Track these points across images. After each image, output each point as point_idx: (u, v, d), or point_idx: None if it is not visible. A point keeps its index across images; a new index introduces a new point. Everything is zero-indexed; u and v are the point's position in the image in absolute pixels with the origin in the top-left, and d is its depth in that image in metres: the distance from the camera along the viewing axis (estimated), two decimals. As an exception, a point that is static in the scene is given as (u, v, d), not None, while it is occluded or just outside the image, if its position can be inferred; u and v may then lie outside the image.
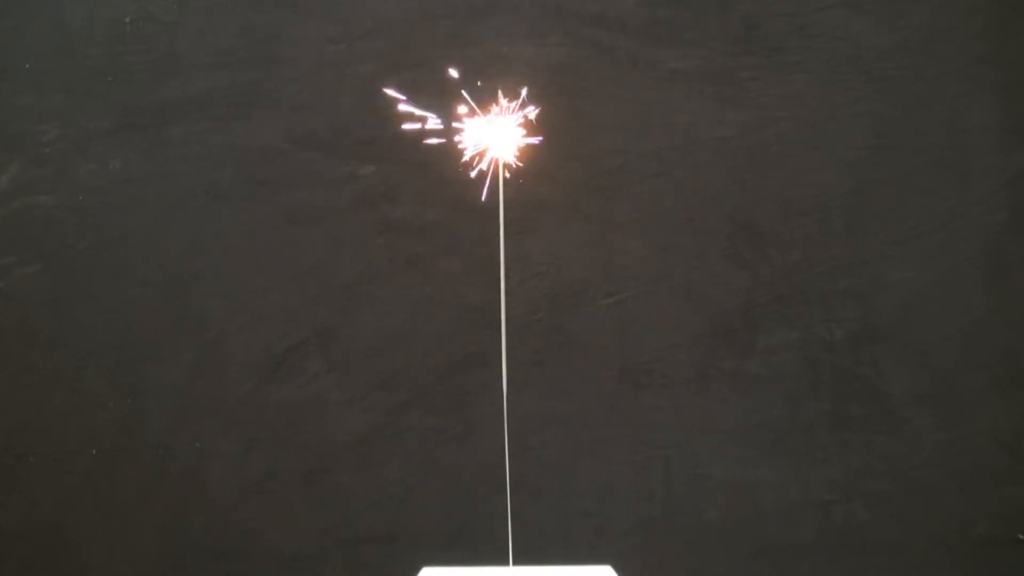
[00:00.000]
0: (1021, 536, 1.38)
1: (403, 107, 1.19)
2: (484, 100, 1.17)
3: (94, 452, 1.44)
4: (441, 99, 1.42)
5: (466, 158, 1.17)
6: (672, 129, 1.43)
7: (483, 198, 1.16)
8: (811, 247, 1.41)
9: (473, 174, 1.17)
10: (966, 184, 1.41)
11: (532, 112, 1.16)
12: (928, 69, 1.41)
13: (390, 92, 1.17)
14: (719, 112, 1.42)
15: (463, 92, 1.17)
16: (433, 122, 1.18)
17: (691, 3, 1.43)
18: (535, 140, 1.18)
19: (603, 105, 1.43)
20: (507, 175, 1.17)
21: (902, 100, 1.41)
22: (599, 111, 1.43)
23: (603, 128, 1.43)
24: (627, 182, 1.43)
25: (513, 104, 1.16)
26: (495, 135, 1.17)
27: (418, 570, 1.17)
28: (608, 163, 1.43)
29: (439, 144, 1.19)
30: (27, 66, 1.47)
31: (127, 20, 1.47)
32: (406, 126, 1.19)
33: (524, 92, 1.16)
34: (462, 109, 1.17)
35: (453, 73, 1.20)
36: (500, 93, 1.17)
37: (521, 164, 1.17)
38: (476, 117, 1.17)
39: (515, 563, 1.19)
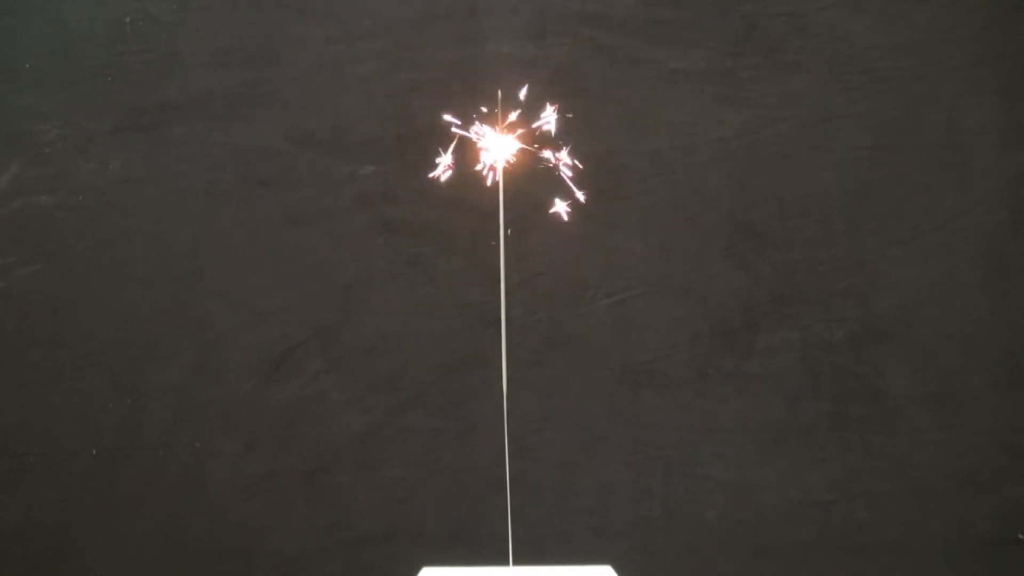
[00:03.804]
0: (1021, 536, 1.38)
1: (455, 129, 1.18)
2: (485, 102, 1.17)
3: (94, 452, 1.44)
4: (442, 100, 1.42)
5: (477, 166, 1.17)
6: (672, 129, 1.43)
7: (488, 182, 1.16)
8: (811, 247, 1.41)
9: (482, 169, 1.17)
10: (966, 184, 1.41)
11: (550, 119, 1.16)
12: (928, 69, 1.41)
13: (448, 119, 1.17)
14: (719, 112, 1.42)
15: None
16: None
17: (691, 3, 1.43)
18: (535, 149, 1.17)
19: (603, 105, 1.43)
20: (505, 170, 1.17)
21: (902, 100, 1.41)
22: (599, 111, 1.43)
23: (603, 128, 1.43)
24: (627, 182, 1.43)
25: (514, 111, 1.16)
26: (495, 139, 1.17)
27: (418, 570, 1.17)
28: (608, 163, 1.43)
29: (441, 144, 1.19)
30: (27, 66, 1.47)
31: (127, 20, 1.47)
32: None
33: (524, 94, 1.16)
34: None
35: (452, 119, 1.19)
36: (500, 96, 1.17)
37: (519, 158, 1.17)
38: (478, 121, 1.17)
39: (515, 563, 1.19)
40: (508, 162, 1.17)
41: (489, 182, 1.18)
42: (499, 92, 1.19)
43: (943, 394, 1.39)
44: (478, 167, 1.17)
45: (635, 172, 1.43)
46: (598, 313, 1.42)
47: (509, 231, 1.18)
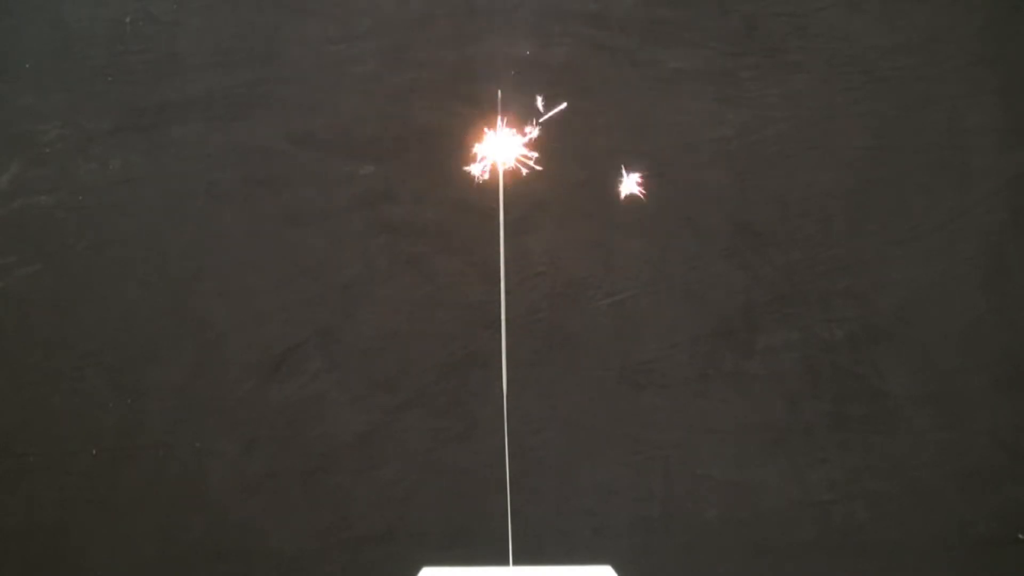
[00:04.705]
0: (1021, 536, 1.38)
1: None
2: (485, 103, 1.17)
3: (94, 452, 1.44)
4: (441, 100, 1.42)
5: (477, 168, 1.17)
6: (672, 129, 1.43)
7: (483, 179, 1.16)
8: (811, 247, 1.41)
9: (477, 171, 1.17)
10: (966, 184, 1.41)
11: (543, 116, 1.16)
12: (928, 69, 1.41)
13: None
14: (719, 112, 1.42)
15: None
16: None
17: (691, 3, 1.43)
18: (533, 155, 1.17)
19: (603, 105, 1.43)
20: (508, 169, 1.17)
21: (902, 100, 1.41)
22: (599, 111, 1.43)
23: (603, 128, 1.43)
24: (627, 182, 1.43)
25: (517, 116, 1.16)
26: (496, 140, 1.17)
27: (418, 570, 1.17)
28: (608, 163, 1.43)
29: (441, 144, 1.19)
30: (27, 66, 1.47)
31: (127, 20, 1.47)
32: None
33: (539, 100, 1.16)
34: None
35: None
36: (499, 96, 1.17)
37: (526, 159, 1.17)
38: (480, 124, 1.17)
39: (515, 563, 1.19)
40: (507, 164, 1.17)
41: (487, 176, 1.18)
42: (499, 92, 1.19)
43: (943, 394, 1.40)
44: (478, 167, 1.17)
45: (635, 172, 1.43)
46: (598, 313, 1.42)
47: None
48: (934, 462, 1.39)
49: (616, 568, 1.14)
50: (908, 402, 1.40)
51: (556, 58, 1.43)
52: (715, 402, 1.41)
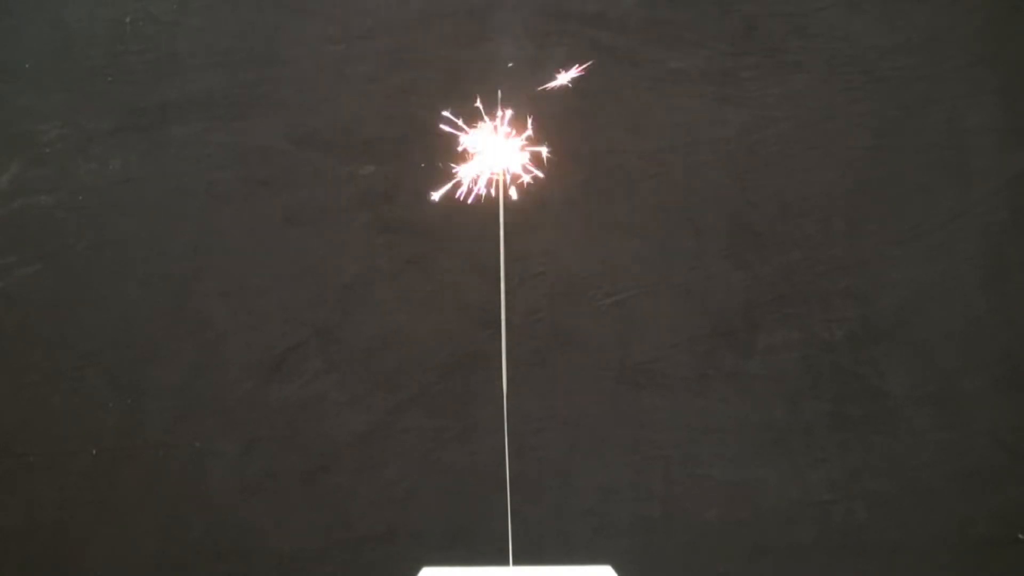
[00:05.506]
0: (1021, 536, 1.38)
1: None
2: (484, 103, 1.17)
3: (94, 452, 1.44)
4: (441, 100, 1.42)
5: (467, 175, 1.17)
6: (672, 129, 1.43)
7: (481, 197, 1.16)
8: (811, 247, 1.41)
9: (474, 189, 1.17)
10: (966, 184, 1.41)
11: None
12: (928, 69, 1.41)
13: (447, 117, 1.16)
14: (719, 112, 1.42)
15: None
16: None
17: (691, 3, 1.43)
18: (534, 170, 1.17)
19: (603, 105, 1.43)
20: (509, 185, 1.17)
21: (902, 100, 1.41)
22: (599, 111, 1.43)
23: (603, 128, 1.43)
24: (627, 182, 1.43)
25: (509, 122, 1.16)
26: (495, 146, 1.17)
27: (418, 570, 1.17)
28: (608, 163, 1.43)
29: (441, 144, 1.19)
30: (27, 66, 1.47)
31: (127, 20, 1.47)
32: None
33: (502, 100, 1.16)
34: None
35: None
36: (500, 96, 1.17)
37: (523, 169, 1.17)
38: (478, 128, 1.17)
39: (515, 563, 1.19)
40: (506, 168, 1.17)
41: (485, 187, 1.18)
42: (499, 92, 1.19)
43: (943, 394, 1.40)
44: (477, 168, 1.17)
45: (635, 172, 1.43)
46: (598, 313, 1.42)
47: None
48: (934, 462, 1.39)
49: (616, 568, 1.14)
50: (908, 402, 1.40)
51: (556, 58, 1.43)
52: (715, 402, 1.41)
